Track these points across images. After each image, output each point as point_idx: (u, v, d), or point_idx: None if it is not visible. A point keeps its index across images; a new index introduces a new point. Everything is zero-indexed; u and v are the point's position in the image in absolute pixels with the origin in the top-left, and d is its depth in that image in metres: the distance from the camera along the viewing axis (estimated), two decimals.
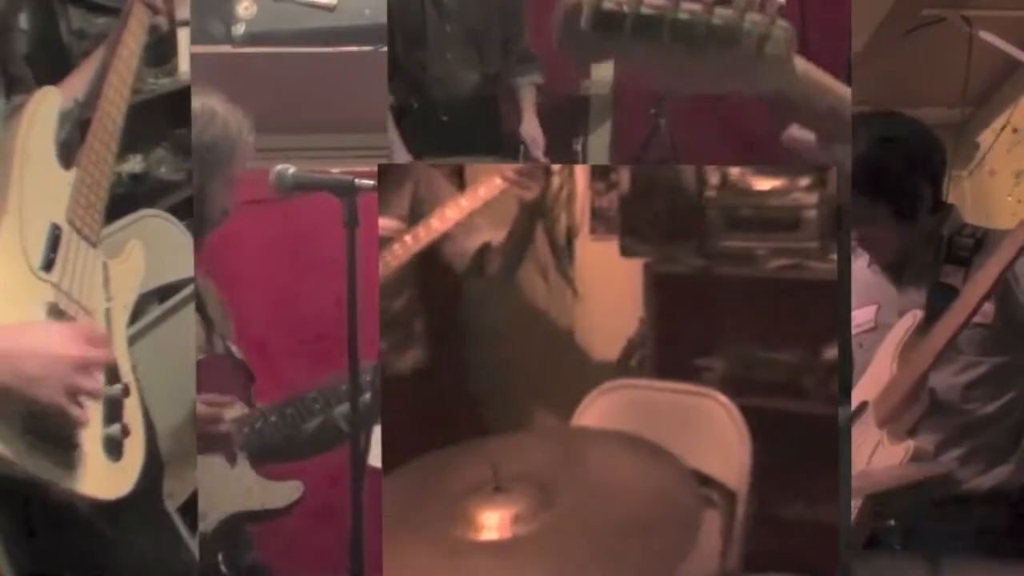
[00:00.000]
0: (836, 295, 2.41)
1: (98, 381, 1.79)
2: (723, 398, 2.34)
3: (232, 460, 2.42)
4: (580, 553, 1.76)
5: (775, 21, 1.39)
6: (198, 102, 2.39)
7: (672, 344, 2.87)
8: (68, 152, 2.01)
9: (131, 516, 1.93)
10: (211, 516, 2.39)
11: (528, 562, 1.75)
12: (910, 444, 2.20)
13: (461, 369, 2.93)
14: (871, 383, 2.27)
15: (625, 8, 1.30)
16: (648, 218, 2.83)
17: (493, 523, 1.80)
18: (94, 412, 1.81)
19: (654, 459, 2.00)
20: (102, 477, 1.81)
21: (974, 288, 2.12)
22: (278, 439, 2.45)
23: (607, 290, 2.96)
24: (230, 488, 2.43)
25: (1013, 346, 2.22)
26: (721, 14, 1.34)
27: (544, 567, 1.74)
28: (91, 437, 1.80)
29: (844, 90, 1.61)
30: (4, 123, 1.94)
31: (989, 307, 2.16)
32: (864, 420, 2.25)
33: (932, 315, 2.20)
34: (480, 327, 2.97)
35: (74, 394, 1.72)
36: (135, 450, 1.89)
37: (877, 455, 2.23)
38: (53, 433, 1.73)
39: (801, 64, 1.50)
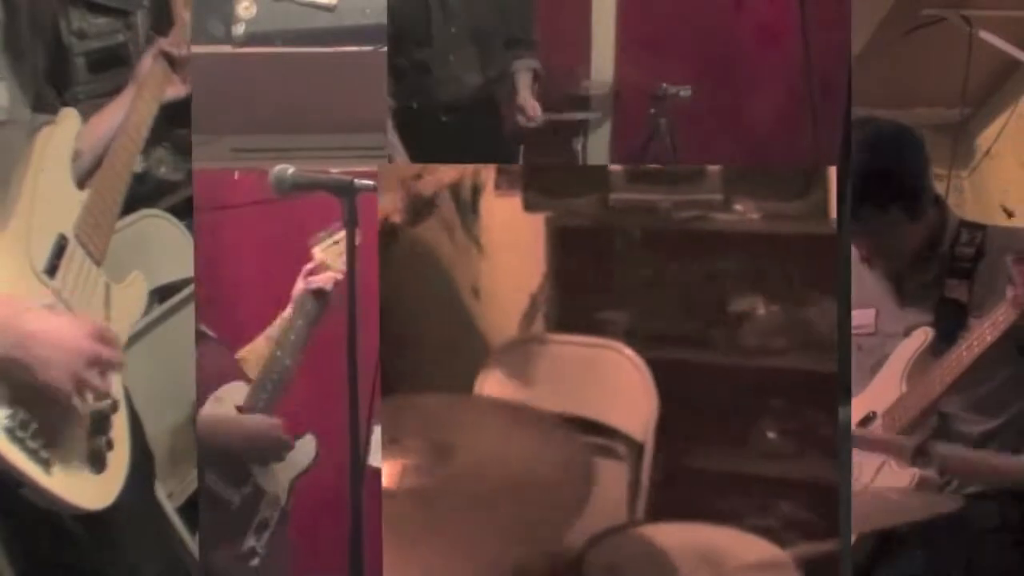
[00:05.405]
0: (836, 295, 2.41)
1: (107, 382, 1.86)
2: (628, 350, 2.38)
3: None
4: (470, 509, 1.79)
5: None
6: None
7: (575, 298, 2.85)
8: (84, 173, 2.05)
9: (118, 526, 1.94)
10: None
11: (416, 513, 1.79)
12: (915, 472, 2.19)
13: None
14: (878, 394, 2.27)
15: None
16: (552, 172, 2.86)
17: (384, 472, 1.85)
18: (81, 423, 1.84)
19: (550, 429, 2.05)
20: (82, 486, 1.83)
21: (983, 331, 2.11)
22: None
23: (511, 246, 2.94)
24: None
25: (1018, 360, 2.21)
26: None
27: (432, 519, 1.78)
28: (74, 444, 1.82)
29: None
30: (27, 136, 1.98)
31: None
32: (871, 432, 2.25)
33: (941, 334, 2.20)
34: (385, 286, 2.97)
35: (80, 386, 1.79)
36: (118, 464, 1.92)
37: (882, 475, 2.23)
38: (34, 428, 1.75)
39: None
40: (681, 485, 2.46)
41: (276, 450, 2.50)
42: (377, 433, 2.28)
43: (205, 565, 2.40)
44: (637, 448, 2.36)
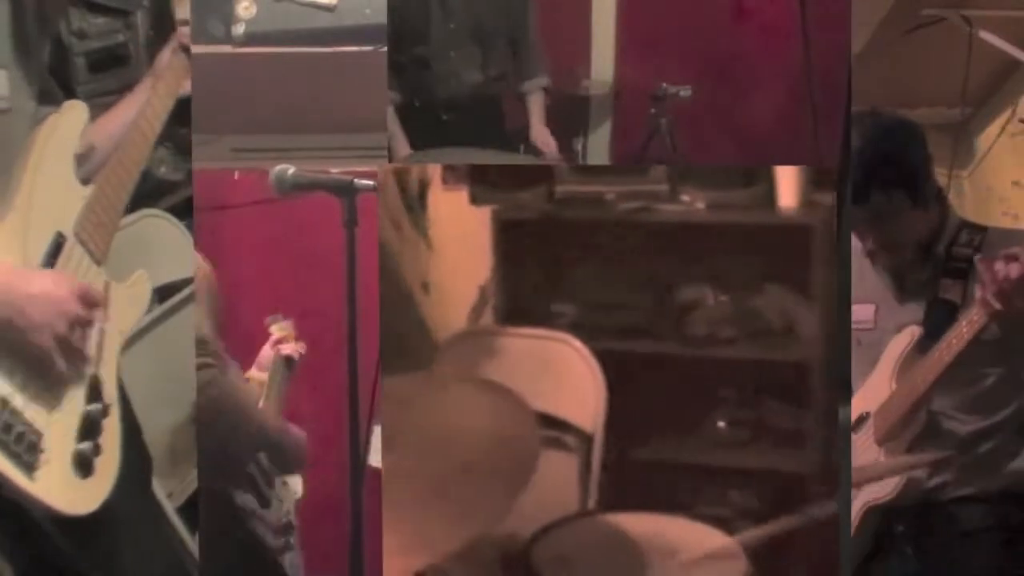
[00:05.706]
0: (836, 293, 2.41)
1: (87, 343, 1.88)
2: (577, 342, 2.39)
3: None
4: (413, 494, 1.80)
5: None
6: None
7: (523, 291, 2.88)
8: (94, 170, 2.03)
9: (106, 530, 1.93)
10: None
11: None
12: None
13: None
14: (871, 395, 2.27)
15: None
16: (497, 166, 2.85)
17: None
18: (69, 427, 1.83)
19: (498, 400, 2.03)
20: (66, 490, 1.82)
21: (960, 330, 2.10)
22: None
23: (459, 240, 2.95)
24: None
25: (1014, 357, 2.20)
26: None
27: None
28: (59, 447, 1.82)
29: None
30: (30, 128, 1.96)
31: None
32: (865, 432, 2.25)
33: (931, 332, 2.19)
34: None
35: (64, 346, 1.81)
36: (106, 469, 1.90)
37: None
38: (19, 432, 1.75)
39: None
40: (631, 476, 2.48)
41: (301, 460, 2.62)
42: (377, 433, 2.29)
43: (206, 562, 2.41)
44: (587, 440, 2.38)
